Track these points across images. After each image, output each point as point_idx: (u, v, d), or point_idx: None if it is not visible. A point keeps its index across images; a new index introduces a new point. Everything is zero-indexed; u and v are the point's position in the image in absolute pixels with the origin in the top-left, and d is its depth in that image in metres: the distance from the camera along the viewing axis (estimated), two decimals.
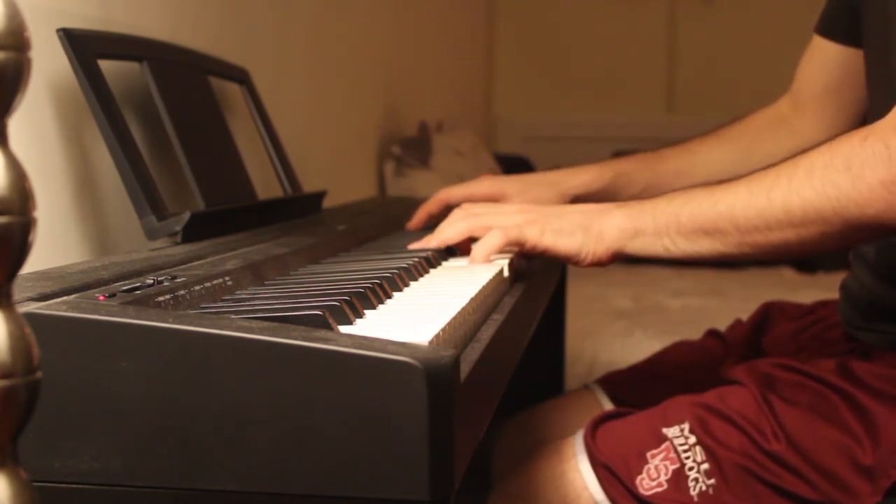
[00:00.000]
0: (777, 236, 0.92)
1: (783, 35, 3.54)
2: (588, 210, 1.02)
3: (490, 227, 1.02)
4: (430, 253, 1.02)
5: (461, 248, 1.08)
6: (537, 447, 1.15)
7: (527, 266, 1.09)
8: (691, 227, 0.95)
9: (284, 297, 0.76)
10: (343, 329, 0.68)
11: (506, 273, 0.99)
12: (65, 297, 0.64)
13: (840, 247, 0.95)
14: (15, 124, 0.44)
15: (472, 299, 0.79)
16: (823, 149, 0.90)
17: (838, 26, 1.23)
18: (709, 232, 0.95)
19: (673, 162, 1.32)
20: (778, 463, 1.00)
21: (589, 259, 1.00)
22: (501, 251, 1.02)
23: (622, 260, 1.02)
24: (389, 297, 0.82)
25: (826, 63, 1.27)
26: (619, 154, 2.77)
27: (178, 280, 0.73)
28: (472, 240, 1.06)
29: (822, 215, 0.88)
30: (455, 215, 1.07)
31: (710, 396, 1.06)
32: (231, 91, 1.41)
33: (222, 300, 0.76)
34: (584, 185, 1.29)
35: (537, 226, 1.00)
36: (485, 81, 3.82)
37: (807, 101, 1.30)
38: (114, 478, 0.59)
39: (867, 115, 1.16)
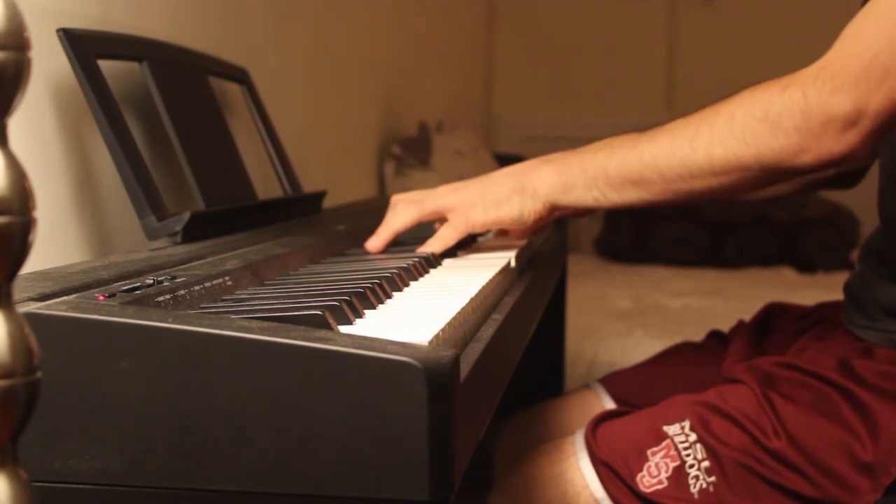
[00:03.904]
0: (700, 183, 0.95)
1: (783, 35, 3.55)
2: (517, 171, 1.05)
3: (437, 210, 1.06)
4: (429, 253, 1.02)
5: None
6: (538, 446, 1.15)
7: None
8: (619, 179, 0.99)
9: (284, 297, 0.76)
10: (343, 329, 0.68)
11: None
12: (65, 297, 0.64)
13: (755, 190, 0.99)
14: (15, 124, 0.44)
15: (472, 299, 0.79)
16: (744, 96, 0.93)
17: None
18: (635, 182, 0.98)
19: None
20: (778, 460, 1.00)
21: (532, 217, 1.04)
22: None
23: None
24: (389, 297, 0.82)
25: None
26: None
27: (178, 280, 0.73)
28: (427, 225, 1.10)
29: (742, 162, 0.92)
30: (398, 205, 1.09)
31: (710, 395, 1.06)
32: (231, 91, 1.41)
33: (222, 300, 0.76)
34: None
35: (478, 207, 1.04)
36: (485, 81, 3.82)
37: None
38: (114, 478, 0.59)
39: None
